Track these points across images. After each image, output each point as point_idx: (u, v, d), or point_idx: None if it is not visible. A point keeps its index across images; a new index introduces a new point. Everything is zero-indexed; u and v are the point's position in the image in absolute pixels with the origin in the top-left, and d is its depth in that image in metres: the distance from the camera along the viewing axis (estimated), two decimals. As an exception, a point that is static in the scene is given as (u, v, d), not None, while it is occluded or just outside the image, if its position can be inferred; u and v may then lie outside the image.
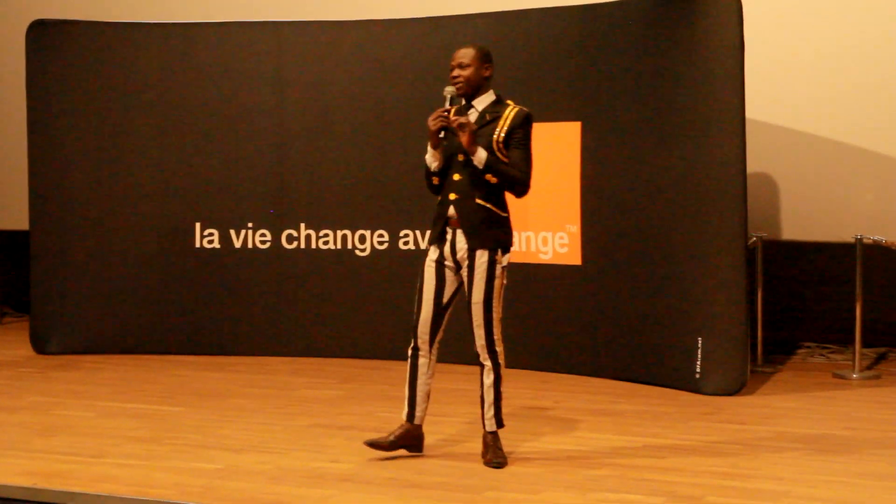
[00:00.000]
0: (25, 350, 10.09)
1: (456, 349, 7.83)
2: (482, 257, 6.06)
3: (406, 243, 9.58)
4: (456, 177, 6.12)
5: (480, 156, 5.99)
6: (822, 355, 9.75)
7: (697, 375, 8.24)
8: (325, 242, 9.77)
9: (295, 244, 9.80)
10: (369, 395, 8.30)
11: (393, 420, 7.38)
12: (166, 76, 9.98)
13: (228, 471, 6.13)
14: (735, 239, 8.22)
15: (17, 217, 10.96)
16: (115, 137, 10.01)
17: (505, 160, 6.06)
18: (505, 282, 6.15)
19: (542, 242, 9.02)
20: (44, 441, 6.82)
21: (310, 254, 9.79)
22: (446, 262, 6.19)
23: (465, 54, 6.12)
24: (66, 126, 10.02)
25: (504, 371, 6.24)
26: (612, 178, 8.78)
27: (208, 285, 9.94)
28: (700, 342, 8.25)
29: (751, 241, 8.85)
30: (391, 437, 6.36)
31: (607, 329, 8.81)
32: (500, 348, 6.17)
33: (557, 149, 8.96)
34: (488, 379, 6.19)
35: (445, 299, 6.24)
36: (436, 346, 6.32)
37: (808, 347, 10.02)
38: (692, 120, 8.34)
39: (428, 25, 9.57)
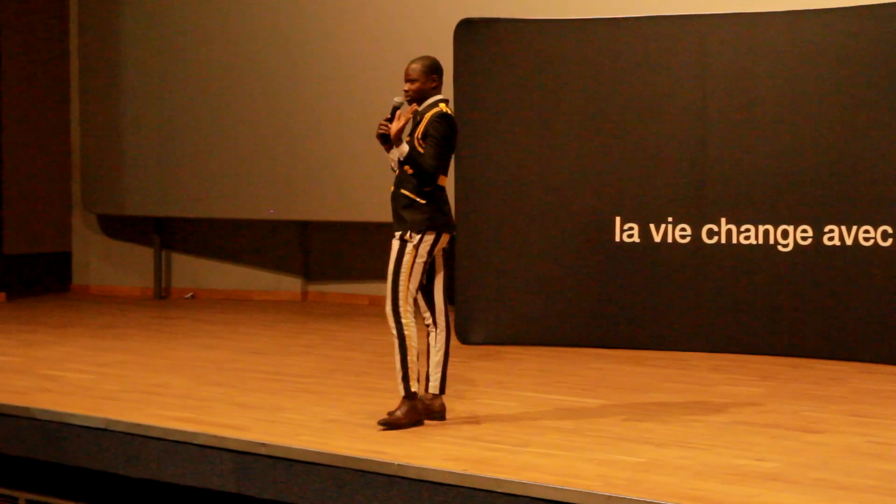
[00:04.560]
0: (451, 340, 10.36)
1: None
2: (395, 237, 6.94)
3: (831, 239, 9.29)
4: (397, 171, 7.03)
5: (403, 149, 6.87)
6: None
7: None
8: (747, 237, 9.61)
9: (715, 239, 9.68)
10: (792, 392, 8.10)
11: (819, 420, 7.20)
12: (589, 71, 10.06)
13: (651, 464, 6.10)
14: None
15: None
16: (539, 132, 10.18)
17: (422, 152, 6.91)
18: (419, 260, 6.88)
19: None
20: (470, 428, 6.98)
21: (730, 249, 9.64)
22: None
23: (413, 70, 7.00)
24: (491, 122, 10.26)
25: (412, 342, 6.87)
26: None
27: (627, 279, 9.96)
28: None
29: None
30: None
31: None
32: (406, 320, 6.88)
33: None
34: (394, 346, 6.91)
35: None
36: (423, 319, 7.10)
37: None
38: None
39: (857, 15, 9.27)
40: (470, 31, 10.31)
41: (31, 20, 14.45)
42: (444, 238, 6.99)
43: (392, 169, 7.08)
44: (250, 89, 13.09)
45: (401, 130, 6.86)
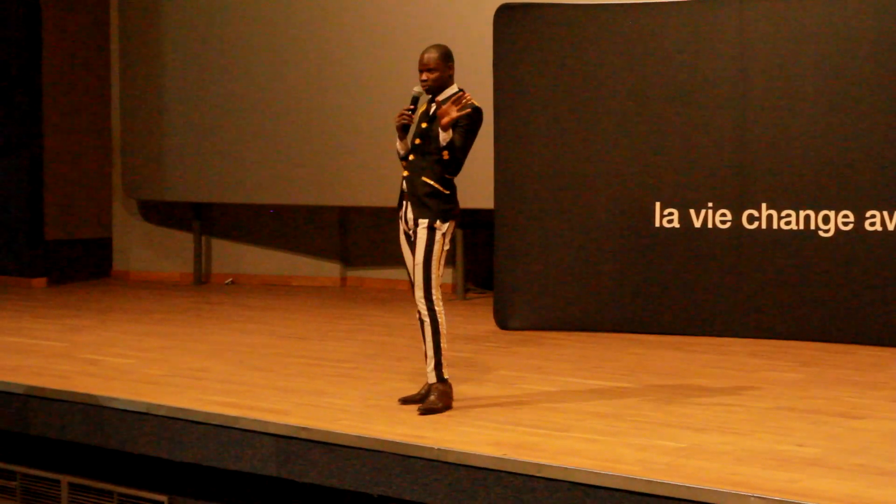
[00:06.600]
0: (489, 325, 10.39)
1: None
2: (422, 225, 6.98)
3: (872, 224, 9.24)
4: (411, 157, 7.07)
5: (448, 135, 6.89)
6: None
7: None
8: (787, 223, 9.56)
9: (756, 224, 9.64)
10: (833, 378, 8.07)
11: (860, 405, 7.17)
12: (629, 56, 10.02)
13: (692, 450, 6.10)
14: None
15: (481, 196, 11.27)
16: (579, 118, 10.15)
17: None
18: (446, 247, 7.01)
19: None
20: (510, 413, 6.99)
21: (771, 234, 9.60)
22: (408, 232, 7.11)
23: (431, 59, 7.03)
24: (531, 107, 10.25)
25: (444, 328, 6.97)
26: None
27: (667, 265, 9.93)
28: None
29: None
30: (422, 391, 7.18)
31: None
32: (438, 307, 6.98)
33: None
34: (426, 332, 6.99)
35: None
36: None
37: None
38: None
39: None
40: (509, 17, 10.30)
41: (73, 7, 14.52)
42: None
43: (399, 155, 7.12)
44: (290, 75, 13.11)
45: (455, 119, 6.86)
